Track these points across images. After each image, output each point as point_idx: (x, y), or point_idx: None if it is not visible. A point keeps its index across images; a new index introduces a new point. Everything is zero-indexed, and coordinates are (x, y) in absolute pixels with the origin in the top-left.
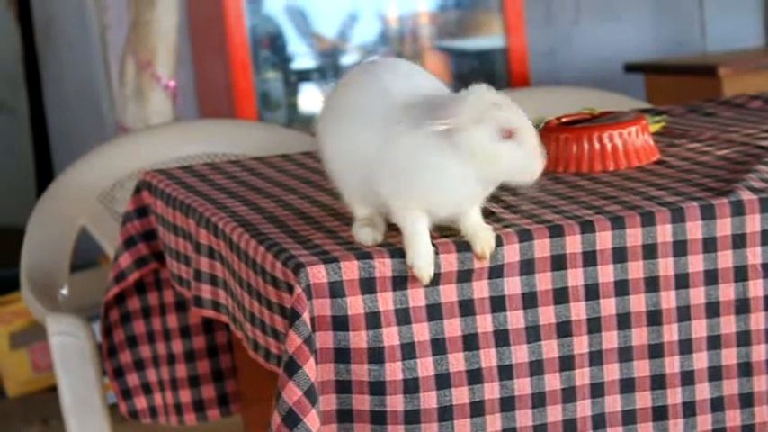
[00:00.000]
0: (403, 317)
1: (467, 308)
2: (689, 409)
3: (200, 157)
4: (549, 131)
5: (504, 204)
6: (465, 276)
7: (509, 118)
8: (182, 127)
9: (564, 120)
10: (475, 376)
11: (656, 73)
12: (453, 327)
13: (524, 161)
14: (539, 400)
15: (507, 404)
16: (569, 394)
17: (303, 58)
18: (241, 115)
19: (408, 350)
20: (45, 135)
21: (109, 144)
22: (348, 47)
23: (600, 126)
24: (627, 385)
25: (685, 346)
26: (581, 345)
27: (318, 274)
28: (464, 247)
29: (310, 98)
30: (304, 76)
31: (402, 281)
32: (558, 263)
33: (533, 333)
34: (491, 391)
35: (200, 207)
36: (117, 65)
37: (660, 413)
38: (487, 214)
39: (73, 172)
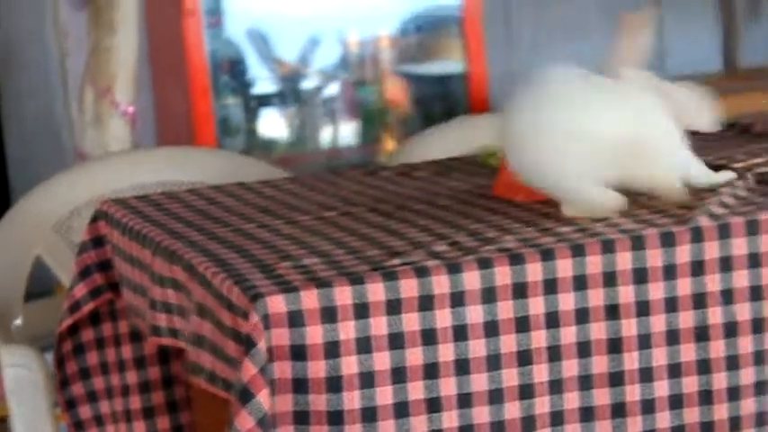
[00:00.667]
0: (363, 345)
1: (428, 337)
2: None
3: (158, 185)
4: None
5: (467, 232)
6: (426, 304)
7: None
8: (139, 155)
9: None
10: (434, 405)
11: None
12: (415, 356)
13: None
14: (498, 428)
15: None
16: (529, 423)
17: (263, 82)
18: (200, 141)
19: (368, 379)
20: (2, 159)
21: (65, 172)
22: (309, 71)
23: None
24: (587, 414)
25: (646, 375)
26: (540, 373)
27: (277, 303)
28: (424, 272)
29: (270, 123)
30: (264, 100)
31: (363, 308)
32: (520, 291)
33: (494, 361)
34: (449, 419)
35: (156, 236)
36: (77, 91)
37: None
38: (452, 243)
39: (29, 200)
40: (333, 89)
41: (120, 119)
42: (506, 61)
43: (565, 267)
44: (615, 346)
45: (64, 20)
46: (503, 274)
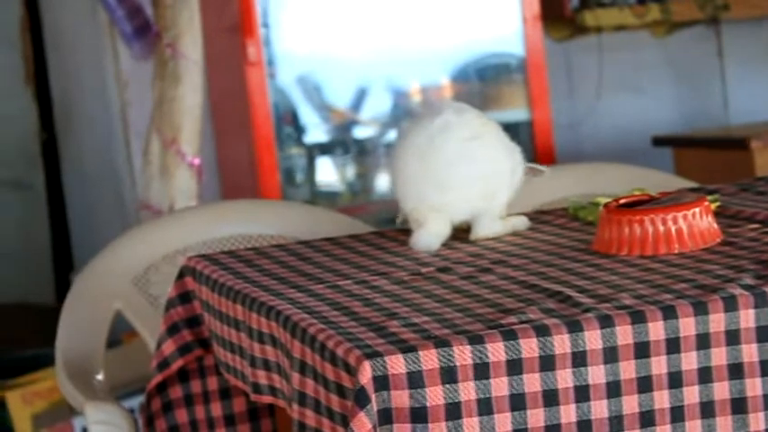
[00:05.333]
0: (485, 407)
1: (550, 398)
2: None
3: (236, 238)
4: (611, 214)
5: (576, 289)
6: (548, 364)
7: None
8: (213, 208)
9: (622, 201)
10: None
11: (685, 146)
12: (536, 417)
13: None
14: None
15: None
16: None
17: (317, 131)
18: (265, 192)
19: None
20: (63, 212)
21: (142, 226)
22: (363, 119)
23: (664, 208)
24: None
25: None
26: None
27: (397, 363)
28: (544, 331)
29: (328, 173)
30: (323, 149)
31: (484, 368)
32: (642, 350)
33: (616, 423)
34: None
35: (251, 292)
36: (138, 142)
37: None
38: (564, 299)
39: (107, 255)
40: (392, 137)
41: (186, 170)
42: (569, 110)
43: (687, 325)
44: (739, 406)
45: (125, 71)
46: (624, 333)
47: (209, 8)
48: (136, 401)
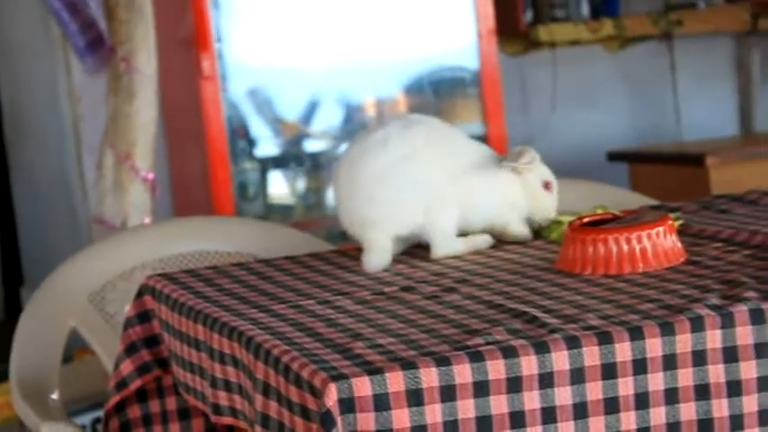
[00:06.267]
0: (451, 429)
1: (517, 420)
2: None
3: (193, 255)
4: (575, 233)
5: (542, 309)
6: (515, 386)
7: (547, 173)
8: (171, 225)
9: (586, 220)
10: None
11: (640, 162)
12: None
13: (551, 207)
14: None
15: None
16: None
17: (269, 144)
18: (218, 207)
19: None
20: (13, 225)
21: (98, 243)
22: (314, 132)
23: (628, 227)
24: None
25: None
26: None
27: (363, 385)
28: (511, 352)
29: (280, 187)
30: (274, 164)
31: (450, 390)
32: (609, 371)
33: None
34: None
35: (212, 312)
36: (91, 156)
37: None
38: (530, 319)
39: (62, 272)
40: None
41: (140, 185)
42: (523, 125)
43: (653, 346)
44: (705, 427)
45: (78, 85)
46: (591, 354)
47: (163, 22)
48: (88, 417)
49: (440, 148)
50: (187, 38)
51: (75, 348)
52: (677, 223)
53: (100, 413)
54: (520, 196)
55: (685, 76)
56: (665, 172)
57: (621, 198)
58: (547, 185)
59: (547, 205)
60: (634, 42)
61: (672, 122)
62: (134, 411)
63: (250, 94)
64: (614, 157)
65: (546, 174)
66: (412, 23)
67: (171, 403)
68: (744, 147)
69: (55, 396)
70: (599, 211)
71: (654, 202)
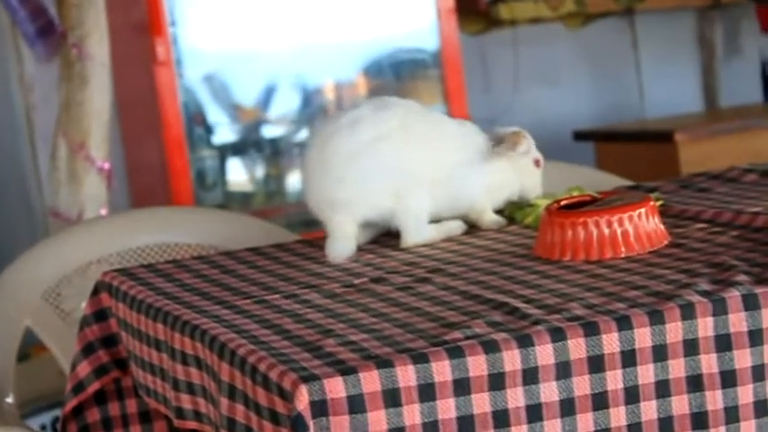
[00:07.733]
0: (430, 431)
1: (501, 419)
2: None
3: (152, 248)
4: (553, 216)
5: (522, 299)
6: (497, 383)
7: (536, 150)
8: (128, 217)
9: (564, 203)
10: None
11: (607, 140)
12: None
13: (539, 183)
14: None
15: None
16: None
17: (226, 131)
18: (176, 196)
19: None
20: None
21: (52, 237)
22: (272, 118)
23: (609, 209)
24: None
25: None
26: None
27: (336, 386)
28: (492, 347)
29: (239, 174)
30: (232, 151)
31: (429, 389)
32: (596, 364)
33: None
34: None
35: (173, 310)
36: (45, 146)
37: None
38: (511, 311)
39: (15, 268)
40: (304, 135)
41: (95, 176)
42: (486, 105)
43: (642, 336)
44: (700, 421)
45: (29, 74)
46: (577, 346)
47: (115, 7)
48: (48, 417)
49: (419, 130)
50: (140, 22)
51: (31, 345)
52: (658, 204)
53: (60, 412)
54: (512, 179)
55: (648, 53)
56: (633, 150)
57: (592, 178)
58: (537, 163)
59: (537, 181)
60: (596, 19)
61: (635, 100)
62: (93, 415)
63: (206, 79)
64: (580, 136)
65: (535, 151)
66: (370, 4)
67: (131, 406)
68: (711, 123)
69: (10, 400)
70: (575, 194)
71: (625, 181)
